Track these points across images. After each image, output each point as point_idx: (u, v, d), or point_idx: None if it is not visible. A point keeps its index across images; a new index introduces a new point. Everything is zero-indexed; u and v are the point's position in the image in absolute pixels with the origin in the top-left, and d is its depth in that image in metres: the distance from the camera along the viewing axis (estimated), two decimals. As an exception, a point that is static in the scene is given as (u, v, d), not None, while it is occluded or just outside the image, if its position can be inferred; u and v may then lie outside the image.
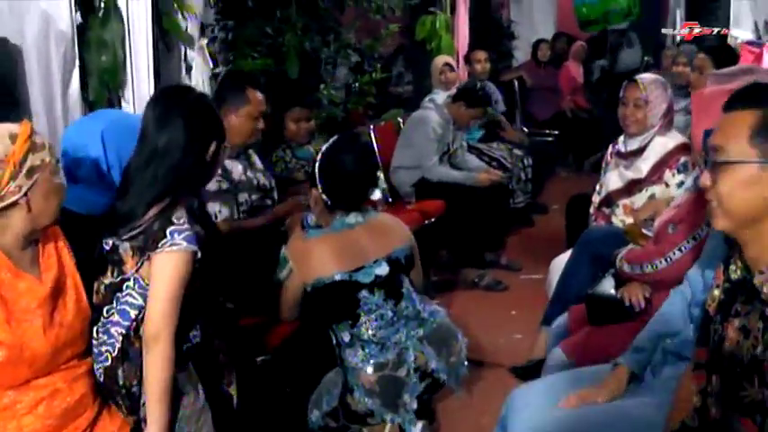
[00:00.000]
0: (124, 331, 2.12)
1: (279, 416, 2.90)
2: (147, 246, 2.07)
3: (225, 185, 3.21)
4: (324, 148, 2.79)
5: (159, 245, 2.06)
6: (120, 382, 2.13)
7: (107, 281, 2.13)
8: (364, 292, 2.71)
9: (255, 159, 3.51)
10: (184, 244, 2.08)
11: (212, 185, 3.11)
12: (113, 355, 2.12)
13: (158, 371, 2.07)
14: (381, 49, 6.21)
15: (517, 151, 6.28)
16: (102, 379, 2.14)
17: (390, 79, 7.64)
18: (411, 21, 7.21)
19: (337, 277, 2.67)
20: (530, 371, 3.49)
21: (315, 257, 2.71)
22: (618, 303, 2.77)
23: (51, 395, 2.01)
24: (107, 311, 2.13)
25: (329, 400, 2.77)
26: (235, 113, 3.27)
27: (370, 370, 2.69)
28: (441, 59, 6.20)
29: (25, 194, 1.92)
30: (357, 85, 5.43)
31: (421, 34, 6.93)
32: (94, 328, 2.15)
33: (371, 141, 5.53)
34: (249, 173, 3.36)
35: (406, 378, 2.73)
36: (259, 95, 3.31)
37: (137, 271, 2.11)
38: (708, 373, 1.80)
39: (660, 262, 2.65)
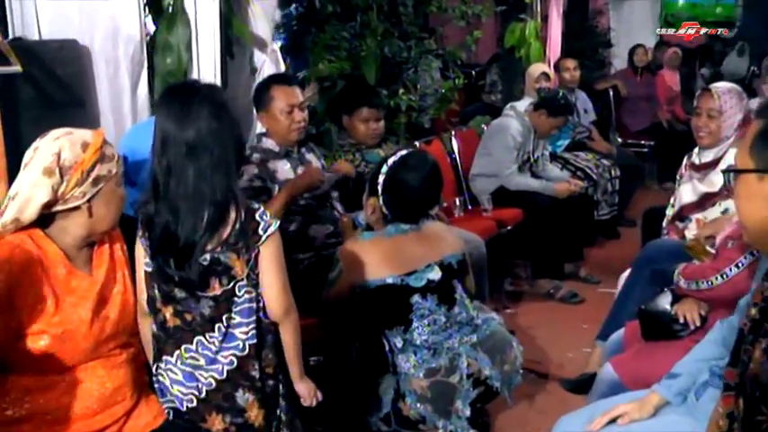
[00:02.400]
0: (254, 325, 2.16)
1: (332, 416, 2.92)
2: (251, 243, 2.10)
3: (257, 183, 3.21)
4: (390, 161, 2.78)
5: (261, 233, 2.10)
6: (257, 375, 2.18)
7: (217, 292, 2.12)
8: (417, 297, 2.71)
9: (311, 158, 3.50)
10: (274, 220, 2.13)
11: (242, 183, 3.09)
12: (242, 354, 2.16)
13: (295, 336, 2.26)
14: (469, 57, 6.17)
15: (605, 162, 6.11)
16: (217, 384, 2.18)
17: (484, 87, 7.59)
18: (504, 29, 7.15)
19: (389, 280, 2.69)
20: (580, 385, 3.40)
21: (367, 260, 2.73)
22: (672, 319, 2.67)
23: (90, 379, 2.07)
24: (225, 320, 2.14)
25: (381, 406, 2.77)
26: (267, 114, 3.31)
27: (421, 375, 2.69)
28: (537, 68, 6.11)
29: (88, 201, 2.00)
30: (441, 91, 5.41)
31: (510, 41, 6.84)
32: (200, 339, 2.17)
33: (453, 151, 5.55)
34: (301, 171, 3.35)
35: (459, 384, 2.71)
36: (287, 90, 3.29)
37: (249, 269, 2.12)
38: (736, 396, 1.71)
39: (716, 278, 2.54)
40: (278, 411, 2.28)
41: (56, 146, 1.96)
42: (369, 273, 2.71)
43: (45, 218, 2.00)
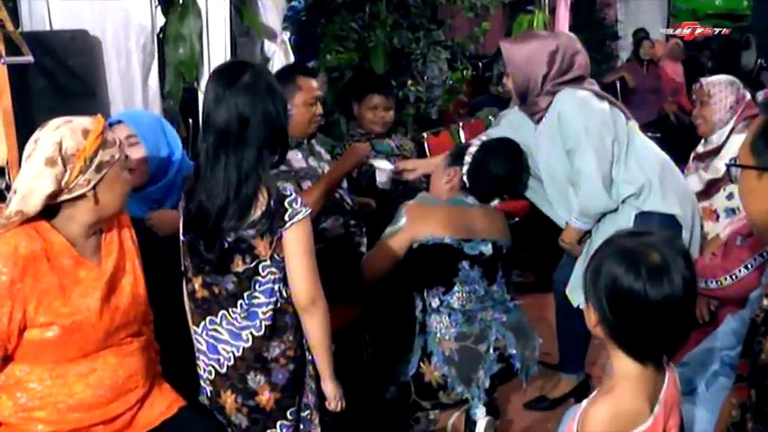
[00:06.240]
0: (273, 306, 2.18)
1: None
2: (275, 225, 2.11)
3: (284, 167, 3.07)
4: (484, 137, 2.99)
5: (287, 219, 2.11)
6: (271, 355, 2.20)
7: (239, 269, 2.15)
8: (465, 264, 2.82)
9: (320, 149, 3.45)
10: (304, 209, 2.14)
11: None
12: (258, 333, 2.19)
13: (322, 328, 2.21)
14: (477, 48, 6.14)
15: (611, 153, 6.08)
16: (234, 361, 2.21)
17: (491, 78, 7.59)
18: (512, 20, 7.14)
19: (447, 240, 2.80)
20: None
21: (432, 218, 2.84)
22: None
23: (103, 368, 2.09)
24: (247, 297, 2.17)
25: (407, 370, 2.83)
26: (290, 104, 3.13)
27: (453, 337, 2.77)
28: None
29: (93, 188, 1.99)
30: (450, 82, 5.41)
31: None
32: (224, 313, 2.21)
33: (461, 142, 5.52)
34: (312, 161, 3.30)
35: (486, 354, 2.80)
36: (311, 82, 3.21)
37: (273, 251, 2.14)
38: (749, 387, 1.72)
39: (725, 279, 2.54)
40: (303, 396, 2.29)
41: (56, 135, 1.94)
42: (431, 230, 2.81)
43: (51, 208, 1.99)
